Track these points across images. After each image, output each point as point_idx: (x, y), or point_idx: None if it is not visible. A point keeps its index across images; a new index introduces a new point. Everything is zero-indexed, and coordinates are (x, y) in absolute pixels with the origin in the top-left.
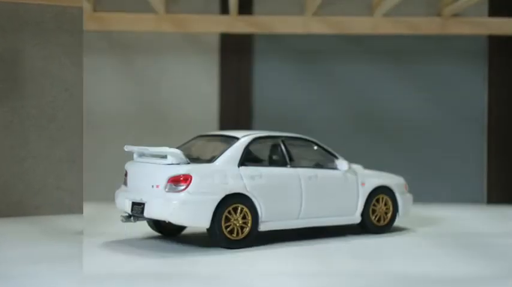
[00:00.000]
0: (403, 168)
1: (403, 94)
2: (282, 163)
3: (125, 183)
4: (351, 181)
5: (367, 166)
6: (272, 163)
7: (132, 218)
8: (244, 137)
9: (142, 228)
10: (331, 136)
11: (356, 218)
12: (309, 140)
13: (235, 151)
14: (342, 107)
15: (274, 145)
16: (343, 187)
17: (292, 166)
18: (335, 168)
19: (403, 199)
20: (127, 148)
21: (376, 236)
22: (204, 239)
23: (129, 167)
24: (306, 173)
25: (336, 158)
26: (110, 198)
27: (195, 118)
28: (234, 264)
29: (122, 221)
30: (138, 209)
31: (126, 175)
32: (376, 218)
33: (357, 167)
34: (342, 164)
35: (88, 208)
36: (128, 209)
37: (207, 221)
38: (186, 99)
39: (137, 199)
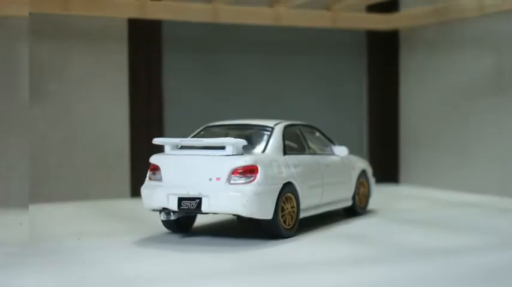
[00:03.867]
0: None
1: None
2: (303, 151)
3: (155, 178)
4: (348, 167)
5: None
6: (297, 150)
7: (172, 214)
8: (277, 126)
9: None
10: None
11: (350, 202)
12: (313, 127)
13: (277, 139)
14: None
15: (295, 133)
16: (344, 172)
17: (310, 153)
18: (334, 154)
19: (372, 181)
20: (156, 141)
21: (365, 217)
22: (222, 232)
23: (163, 160)
24: (323, 161)
25: (333, 144)
26: None
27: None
28: (298, 251)
29: (163, 218)
30: (190, 205)
31: (154, 169)
32: (359, 201)
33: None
34: (341, 150)
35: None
36: (172, 205)
37: (271, 212)
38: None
39: (191, 194)
